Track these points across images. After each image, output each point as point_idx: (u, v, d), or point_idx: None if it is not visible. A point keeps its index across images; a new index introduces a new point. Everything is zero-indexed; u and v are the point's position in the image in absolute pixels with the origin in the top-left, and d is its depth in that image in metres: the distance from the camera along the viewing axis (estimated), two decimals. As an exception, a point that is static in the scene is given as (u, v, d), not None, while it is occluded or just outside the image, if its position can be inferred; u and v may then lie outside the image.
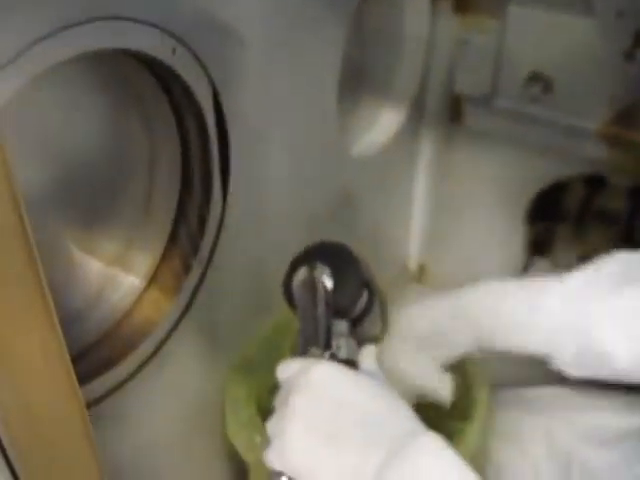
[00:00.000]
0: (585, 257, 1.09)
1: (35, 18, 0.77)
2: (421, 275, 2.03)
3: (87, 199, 1.10)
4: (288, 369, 0.81)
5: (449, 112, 1.74)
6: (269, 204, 1.31)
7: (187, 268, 1.18)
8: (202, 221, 1.17)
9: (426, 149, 1.80)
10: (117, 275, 1.18)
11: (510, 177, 1.76)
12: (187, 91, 1.03)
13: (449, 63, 1.70)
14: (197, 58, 1.01)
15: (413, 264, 2.04)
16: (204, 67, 1.03)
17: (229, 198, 1.18)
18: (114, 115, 1.08)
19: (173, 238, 1.18)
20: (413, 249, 2.00)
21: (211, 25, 1.02)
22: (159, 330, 1.17)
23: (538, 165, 1.72)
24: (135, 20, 0.90)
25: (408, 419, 0.74)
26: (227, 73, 1.07)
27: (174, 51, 0.97)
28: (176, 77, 1.00)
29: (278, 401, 0.80)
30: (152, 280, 1.19)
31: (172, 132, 1.10)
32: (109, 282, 1.18)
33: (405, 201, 1.86)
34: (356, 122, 1.61)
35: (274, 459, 0.77)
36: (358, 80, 1.62)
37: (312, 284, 0.88)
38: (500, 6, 1.59)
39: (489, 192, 1.79)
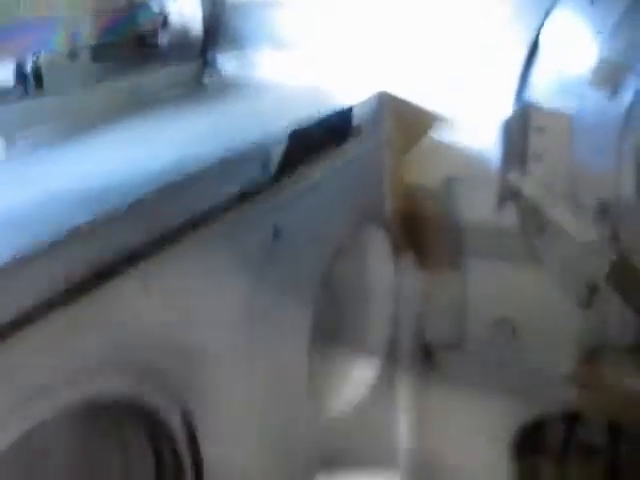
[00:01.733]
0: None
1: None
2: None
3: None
4: None
5: (422, 360, 1.78)
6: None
7: None
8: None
9: (403, 397, 1.83)
10: None
11: (489, 418, 1.77)
12: (159, 419, 1.07)
13: (417, 314, 1.75)
14: (166, 388, 1.05)
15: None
16: (172, 392, 1.07)
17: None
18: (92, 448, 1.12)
19: None
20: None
21: (177, 353, 1.07)
22: None
23: (515, 405, 1.73)
24: (101, 370, 0.95)
25: None
26: (195, 391, 1.11)
27: (141, 381, 1.01)
28: (148, 409, 1.04)
29: None
30: None
31: (147, 453, 1.13)
32: None
33: (389, 452, 1.85)
34: (331, 380, 1.65)
35: None
36: (330, 338, 1.68)
37: None
38: (458, 261, 1.67)
39: (470, 433, 1.79)
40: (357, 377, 1.71)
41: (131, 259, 0.97)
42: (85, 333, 0.92)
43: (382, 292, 1.70)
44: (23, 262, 0.82)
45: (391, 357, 1.77)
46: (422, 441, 1.90)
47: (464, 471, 1.86)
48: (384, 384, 1.76)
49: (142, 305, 0.99)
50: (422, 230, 1.63)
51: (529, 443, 1.80)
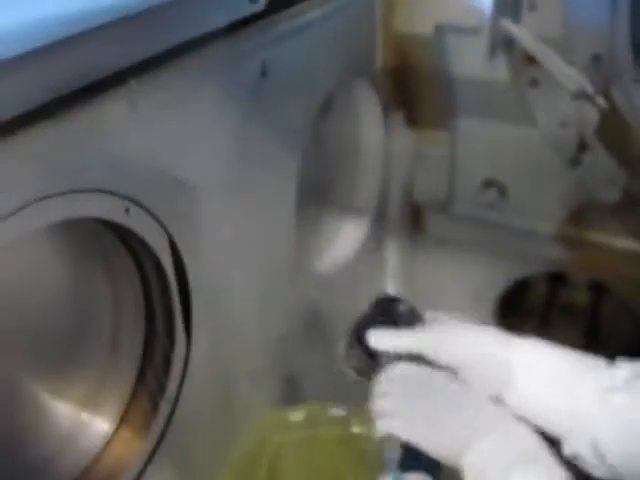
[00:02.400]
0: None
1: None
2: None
3: (54, 345, 1.14)
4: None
5: (410, 221, 1.80)
6: (235, 333, 1.35)
7: (155, 406, 1.21)
8: (167, 360, 1.20)
9: (391, 259, 1.85)
10: (87, 417, 1.21)
11: (475, 278, 1.80)
12: (144, 244, 1.08)
13: (407, 174, 1.76)
14: (151, 213, 1.06)
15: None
16: (159, 220, 1.07)
17: (193, 335, 1.22)
18: (78, 266, 1.13)
19: (140, 378, 1.21)
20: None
21: (163, 181, 1.07)
22: (132, 468, 1.19)
23: (501, 266, 1.76)
24: (88, 190, 0.95)
25: None
26: (182, 221, 1.12)
27: (127, 211, 1.02)
28: (132, 233, 1.05)
29: None
30: (122, 420, 1.22)
31: (134, 279, 1.15)
32: (80, 425, 1.20)
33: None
34: (319, 239, 1.66)
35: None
36: (319, 196, 1.68)
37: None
38: (449, 119, 1.66)
39: (456, 294, 1.83)
40: (345, 236, 1.72)
41: (118, 78, 0.96)
42: (69, 148, 0.92)
43: (371, 150, 1.70)
44: (5, 69, 0.80)
45: (380, 217, 1.78)
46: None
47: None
48: (372, 244, 1.78)
49: (129, 124, 0.99)
50: (412, 85, 1.61)
51: (514, 304, 1.84)
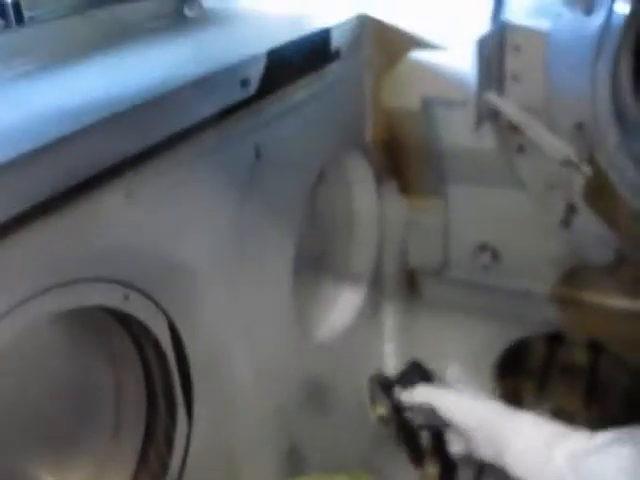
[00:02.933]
0: (557, 412, 1.15)
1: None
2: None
3: (55, 430, 1.16)
4: None
5: (406, 286, 1.82)
6: (236, 407, 1.36)
7: (158, 486, 1.22)
8: (169, 439, 1.21)
9: (388, 324, 1.87)
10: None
11: (473, 341, 1.82)
12: (143, 327, 1.10)
13: (401, 240, 1.79)
14: (150, 298, 1.09)
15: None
16: (158, 304, 1.10)
17: (194, 413, 1.23)
18: (78, 350, 1.15)
19: (143, 458, 1.22)
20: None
21: (161, 266, 1.11)
22: None
23: (498, 328, 1.78)
24: (86, 280, 0.98)
25: None
26: (181, 303, 1.15)
27: (127, 297, 1.05)
28: (132, 318, 1.08)
29: None
30: (125, 502, 1.23)
31: (134, 361, 1.17)
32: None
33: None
34: (317, 307, 1.69)
35: None
36: (315, 264, 1.71)
37: None
38: (440, 186, 1.70)
39: (455, 357, 1.83)
40: (343, 303, 1.75)
41: (115, 170, 0.99)
42: (68, 242, 0.95)
43: (366, 218, 1.73)
44: (2, 171, 0.83)
45: (376, 283, 1.81)
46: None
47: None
48: (369, 310, 1.80)
49: (126, 214, 1.02)
50: (403, 155, 1.65)
51: (512, 365, 1.86)
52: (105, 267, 1.01)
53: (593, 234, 1.62)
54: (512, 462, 1.12)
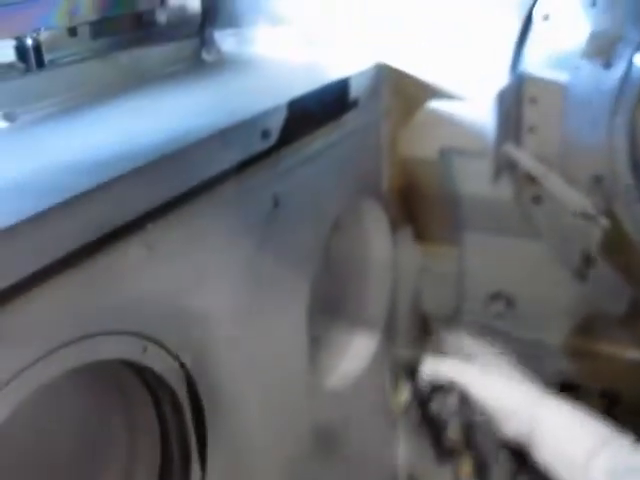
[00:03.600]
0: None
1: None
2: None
3: (68, 475, 1.15)
4: None
5: (419, 332, 1.81)
6: (249, 455, 1.35)
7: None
8: (183, 492, 1.20)
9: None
10: None
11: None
12: (160, 378, 1.09)
13: (415, 287, 1.78)
14: (167, 349, 1.08)
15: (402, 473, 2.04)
16: (174, 355, 1.09)
17: (208, 461, 1.22)
18: (94, 398, 1.14)
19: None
20: (402, 459, 2.01)
21: (179, 316, 1.10)
22: None
23: (511, 376, 1.76)
24: (106, 333, 0.98)
25: None
26: (197, 353, 1.14)
27: (145, 349, 1.04)
28: (148, 369, 1.07)
29: None
30: None
31: (149, 410, 1.16)
32: None
33: (387, 424, 1.88)
34: (330, 353, 1.67)
35: None
36: (329, 310, 1.70)
37: None
38: (456, 234, 1.69)
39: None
40: (355, 349, 1.73)
41: (137, 223, 0.99)
42: (89, 296, 0.95)
43: (380, 264, 1.73)
44: (27, 225, 0.83)
45: (389, 330, 1.80)
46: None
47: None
48: (382, 356, 1.78)
49: (147, 268, 1.02)
50: (419, 203, 1.65)
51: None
52: (125, 320, 1.00)
53: (608, 285, 1.61)
54: (546, 458, 1.10)
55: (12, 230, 0.82)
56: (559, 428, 1.09)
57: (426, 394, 1.24)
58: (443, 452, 1.27)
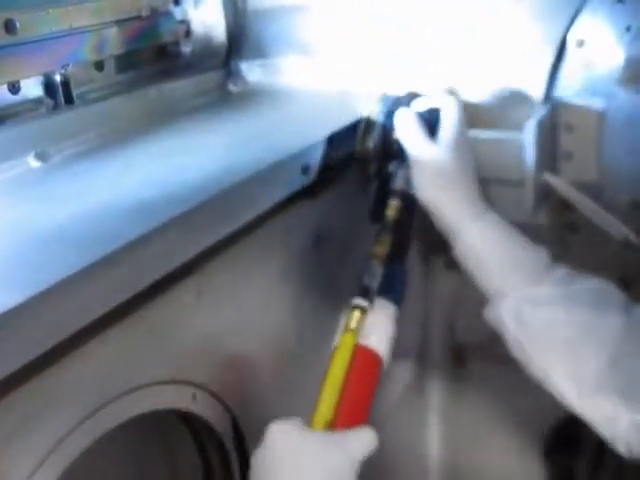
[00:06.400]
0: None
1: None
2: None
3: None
4: None
5: (452, 361, 1.79)
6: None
7: None
8: None
9: (434, 400, 1.83)
10: None
11: (520, 418, 1.77)
12: (207, 425, 1.07)
13: (449, 315, 1.76)
14: (215, 396, 1.05)
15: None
16: (222, 401, 1.07)
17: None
18: (137, 446, 1.12)
19: None
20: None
21: (227, 362, 1.08)
22: None
23: (547, 403, 1.73)
24: (156, 383, 0.95)
25: None
26: (245, 399, 1.12)
27: (194, 397, 1.01)
28: (195, 417, 1.04)
29: None
30: None
31: (195, 460, 1.13)
32: None
33: (420, 457, 1.85)
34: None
35: None
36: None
37: None
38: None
39: (502, 434, 1.80)
40: (390, 381, 1.70)
41: (185, 269, 0.97)
42: (141, 347, 0.93)
43: (413, 295, 1.70)
44: (77, 279, 0.80)
45: (422, 360, 1.77)
46: (453, 442, 1.90)
47: (496, 473, 1.86)
48: (415, 387, 1.76)
49: (196, 314, 1.00)
50: (452, 231, 1.62)
51: (563, 444, 1.80)
52: (175, 368, 0.98)
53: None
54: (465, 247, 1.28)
55: (58, 287, 0.77)
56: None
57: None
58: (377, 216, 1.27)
